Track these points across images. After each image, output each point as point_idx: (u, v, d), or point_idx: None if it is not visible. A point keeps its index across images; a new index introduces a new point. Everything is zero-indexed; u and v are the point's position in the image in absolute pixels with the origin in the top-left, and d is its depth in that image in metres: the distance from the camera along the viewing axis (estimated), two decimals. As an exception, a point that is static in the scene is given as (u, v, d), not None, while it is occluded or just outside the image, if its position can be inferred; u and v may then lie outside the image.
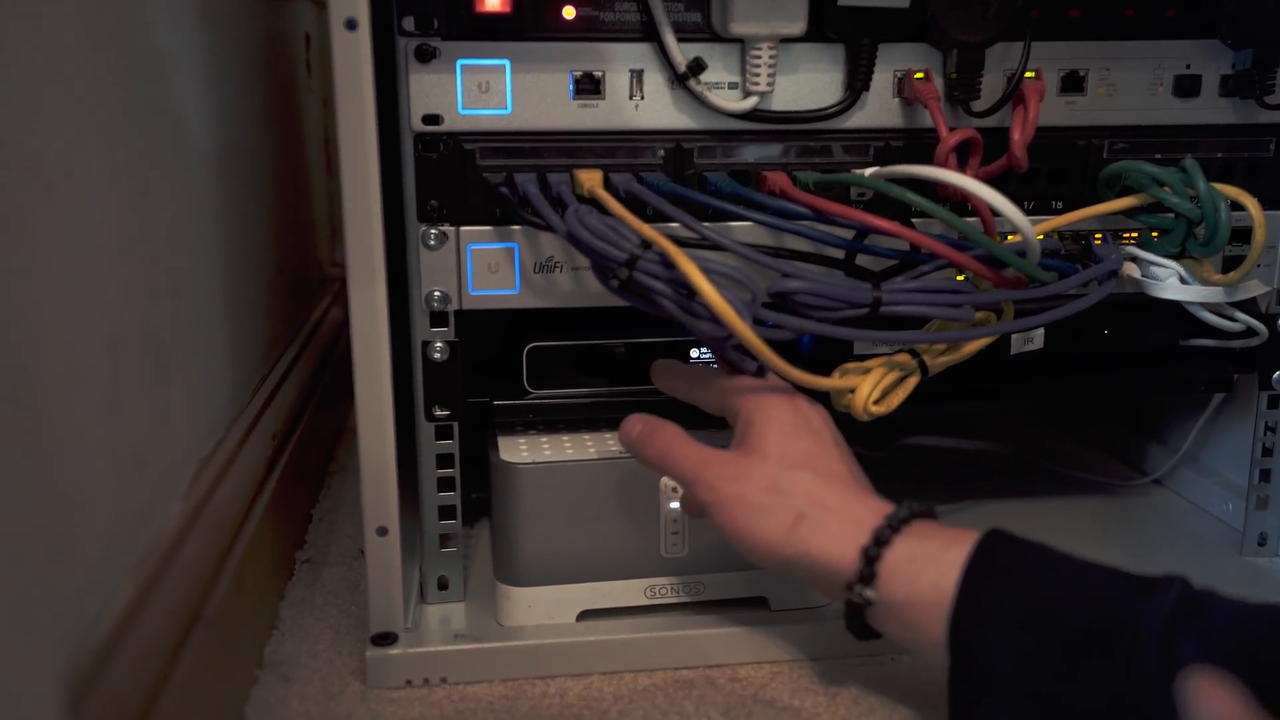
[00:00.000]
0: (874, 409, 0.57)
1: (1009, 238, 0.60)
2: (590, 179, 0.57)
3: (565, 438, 0.63)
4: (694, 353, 0.65)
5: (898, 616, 0.49)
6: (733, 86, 0.59)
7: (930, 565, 0.48)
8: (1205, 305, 0.63)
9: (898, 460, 0.89)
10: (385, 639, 0.58)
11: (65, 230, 0.39)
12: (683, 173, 0.59)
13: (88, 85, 0.42)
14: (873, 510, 0.51)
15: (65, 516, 0.37)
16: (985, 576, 0.48)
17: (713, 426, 0.58)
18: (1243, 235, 0.62)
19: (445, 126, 0.57)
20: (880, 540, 0.49)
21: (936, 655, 0.48)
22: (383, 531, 0.57)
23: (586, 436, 0.63)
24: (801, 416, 0.55)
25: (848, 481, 0.53)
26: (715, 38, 0.58)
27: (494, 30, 0.57)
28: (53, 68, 0.38)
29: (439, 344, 0.60)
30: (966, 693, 0.48)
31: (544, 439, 0.63)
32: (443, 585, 0.63)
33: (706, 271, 0.51)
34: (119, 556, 0.42)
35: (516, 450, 0.61)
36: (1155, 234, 0.63)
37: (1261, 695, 0.41)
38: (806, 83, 0.60)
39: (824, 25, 0.58)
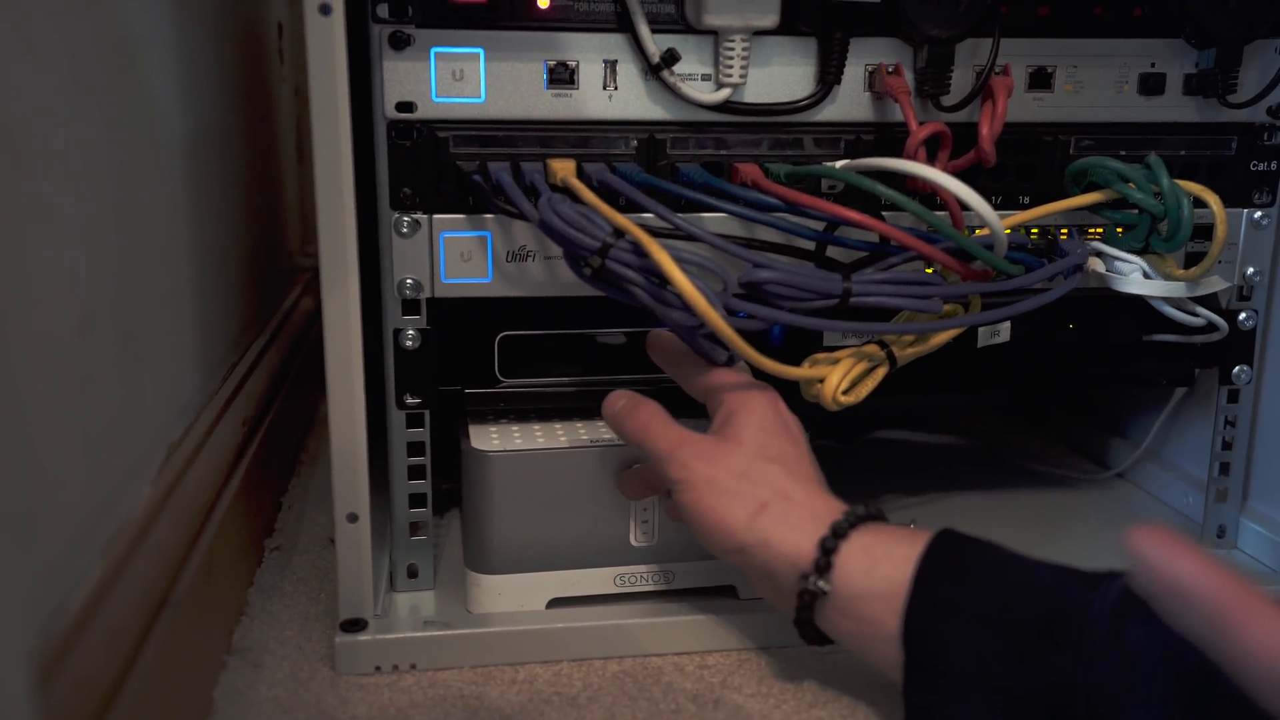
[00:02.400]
0: (843, 399, 0.58)
1: (977, 231, 0.61)
2: (563, 168, 0.57)
3: (536, 426, 0.63)
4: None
5: (851, 610, 0.50)
6: (706, 78, 0.59)
7: (885, 559, 0.50)
8: (1168, 300, 0.65)
9: (866, 453, 0.90)
10: (354, 625, 0.58)
11: (36, 210, 0.39)
12: (655, 163, 0.60)
13: (60, 66, 0.42)
14: (832, 509, 0.52)
15: (36, 497, 0.36)
16: (939, 572, 0.49)
17: (688, 417, 0.58)
18: (1205, 232, 0.63)
19: (419, 114, 0.57)
20: (837, 533, 0.50)
21: (888, 650, 0.49)
22: (353, 518, 0.57)
23: (558, 425, 0.63)
24: (782, 419, 0.56)
25: (814, 483, 0.54)
26: (689, 29, 0.58)
27: (468, 19, 0.57)
28: (24, 47, 0.38)
29: (411, 332, 0.60)
30: (922, 685, 0.48)
31: (515, 428, 0.63)
32: (412, 573, 0.63)
33: (679, 260, 0.51)
34: (88, 538, 0.42)
35: (488, 438, 0.61)
36: (1120, 229, 0.64)
37: (1203, 681, 0.42)
38: (779, 75, 0.60)
39: (797, 18, 0.59)
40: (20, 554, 0.32)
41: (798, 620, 0.52)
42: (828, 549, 0.50)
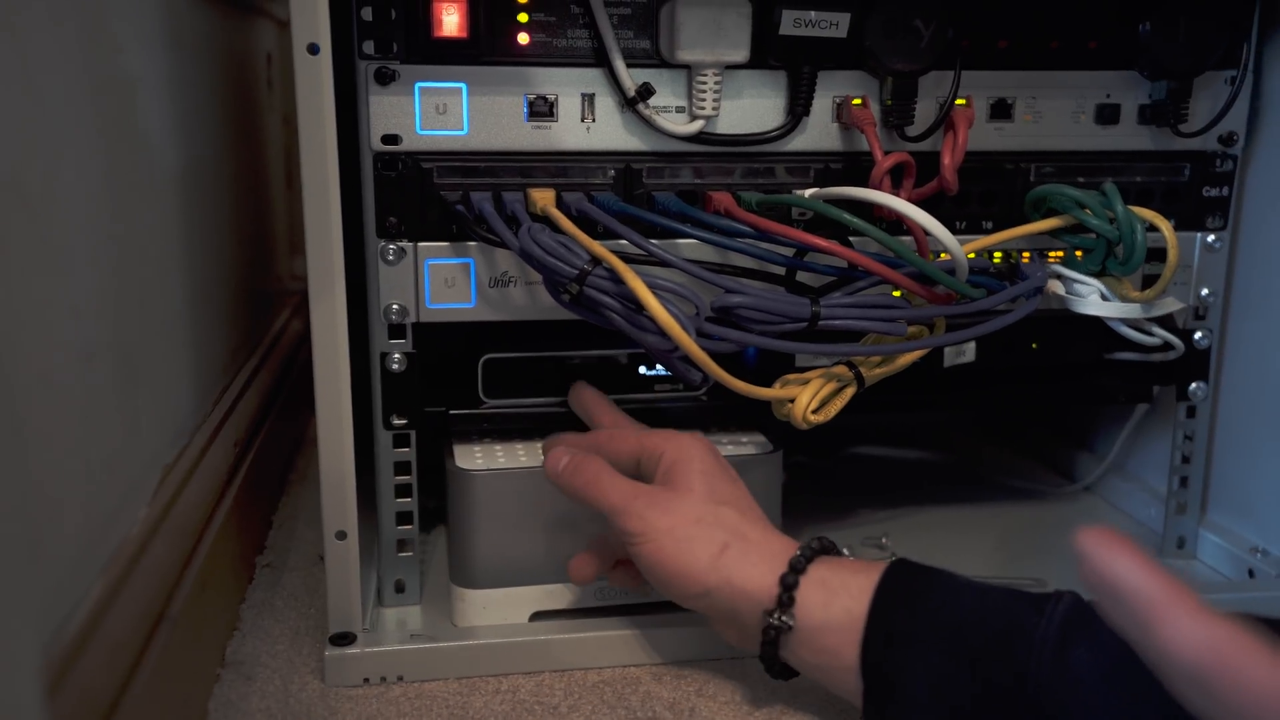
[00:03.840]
0: (812, 418, 0.60)
1: (941, 256, 0.63)
2: (543, 198, 0.60)
3: (519, 445, 0.66)
4: (641, 369, 0.68)
5: (812, 642, 0.52)
6: (680, 110, 0.62)
7: (842, 590, 0.52)
8: (1125, 320, 0.67)
9: (841, 468, 0.92)
10: (343, 639, 0.60)
11: (41, 243, 0.41)
12: (632, 192, 0.62)
13: (61, 102, 0.44)
14: (787, 546, 0.55)
15: (43, 518, 0.38)
16: (893, 602, 0.51)
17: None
18: (1160, 255, 0.66)
19: (404, 146, 0.60)
20: (795, 569, 0.53)
21: (849, 679, 0.51)
22: (341, 535, 0.59)
23: (539, 444, 0.66)
24: (720, 462, 0.58)
25: (764, 521, 0.57)
26: (663, 64, 0.61)
27: (451, 54, 0.59)
28: (27, 84, 0.40)
29: (397, 355, 0.62)
30: (882, 711, 0.51)
31: (498, 447, 0.65)
32: (399, 588, 0.65)
33: (653, 287, 0.54)
34: (90, 557, 0.44)
35: (471, 457, 0.63)
36: (1079, 253, 0.66)
37: (1145, 695, 0.45)
38: (750, 107, 0.63)
39: (766, 53, 0.61)
40: (28, 573, 0.34)
41: (763, 655, 0.54)
42: (788, 585, 0.52)
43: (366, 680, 0.59)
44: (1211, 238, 0.70)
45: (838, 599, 0.52)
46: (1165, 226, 0.64)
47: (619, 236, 0.58)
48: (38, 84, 0.41)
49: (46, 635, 0.37)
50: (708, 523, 0.55)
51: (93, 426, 0.46)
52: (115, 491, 0.49)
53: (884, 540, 0.76)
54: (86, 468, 0.45)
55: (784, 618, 0.52)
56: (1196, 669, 0.35)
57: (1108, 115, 0.67)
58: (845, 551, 0.57)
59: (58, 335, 0.42)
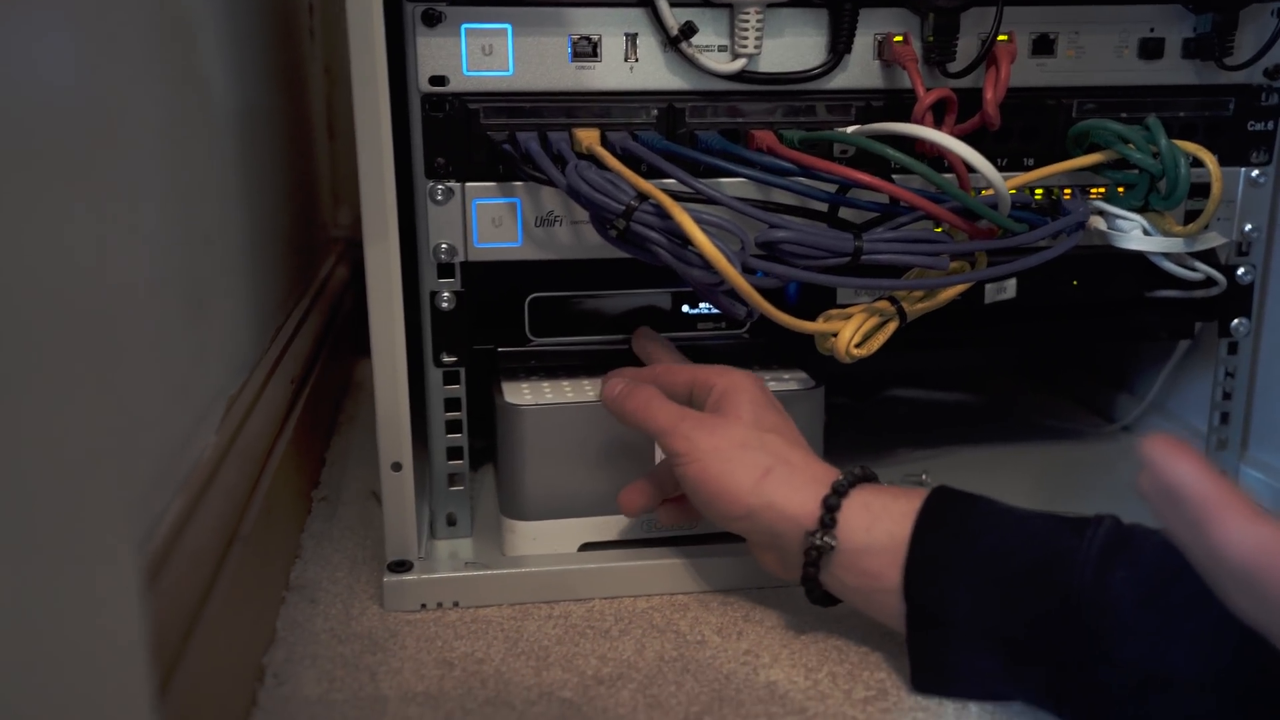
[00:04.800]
0: (855, 351, 0.61)
1: (982, 192, 0.64)
2: (588, 137, 0.61)
3: (565, 382, 0.67)
4: (685, 308, 0.69)
5: (854, 565, 0.53)
6: (722, 49, 0.62)
7: (884, 514, 0.53)
8: (1167, 255, 0.67)
9: (879, 410, 0.93)
10: (401, 566, 0.62)
11: (115, 172, 0.42)
12: (675, 131, 0.63)
13: (131, 39, 0.46)
14: (829, 472, 0.56)
15: (129, 435, 0.41)
16: (936, 526, 0.52)
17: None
18: (1203, 190, 0.66)
19: (451, 87, 0.61)
20: (838, 491, 0.54)
21: (890, 602, 0.53)
22: (397, 467, 0.61)
23: (585, 381, 0.67)
24: (768, 395, 0.60)
25: (808, 449, 0.58)
26: (705, 2, 0.61)
27: (497, -5, 0.60)
28: (101, 19, 0.42)
29: (446, 294, 0.63)
30: (924, 634, 0.52)
31: (545, 383, 0.67)
32: (451, 521, 0.67)
33: (699, 222, 0.55)
34: (168, 476, 0.46)
35: (520, 393, 0.65)
36: (1120, 189, 0.67)
37: (1183, 613, 0.46)
38: (792, 45, 0.63)
39: (808, -9, 0.61)
40: (122, 480, 0.36)
41: (804, 579, 0.55)
42: (831, 506, 0.53)
43: (423, 606, 0.62)
44: (1256, 173, 0.69)
45: (880, 522, 0.53)
46: (1210, 159, 0.64)
47: (664, 175, 0.59)
48: (109, 20, 0.43)
49: (135, 541, 0.39)
50: (752, 447, 0.56)
51: (165, 353, 0.48)
52: (187, 417, 0.51)
53: (924, 477, 0.77)
54: (162, 392, 0.47)
55: (826, 538, 0.53)
56: (1246, 570, 0.36)
57: (1151, 49, 0.67)
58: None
59: (133, 262, 0.44)
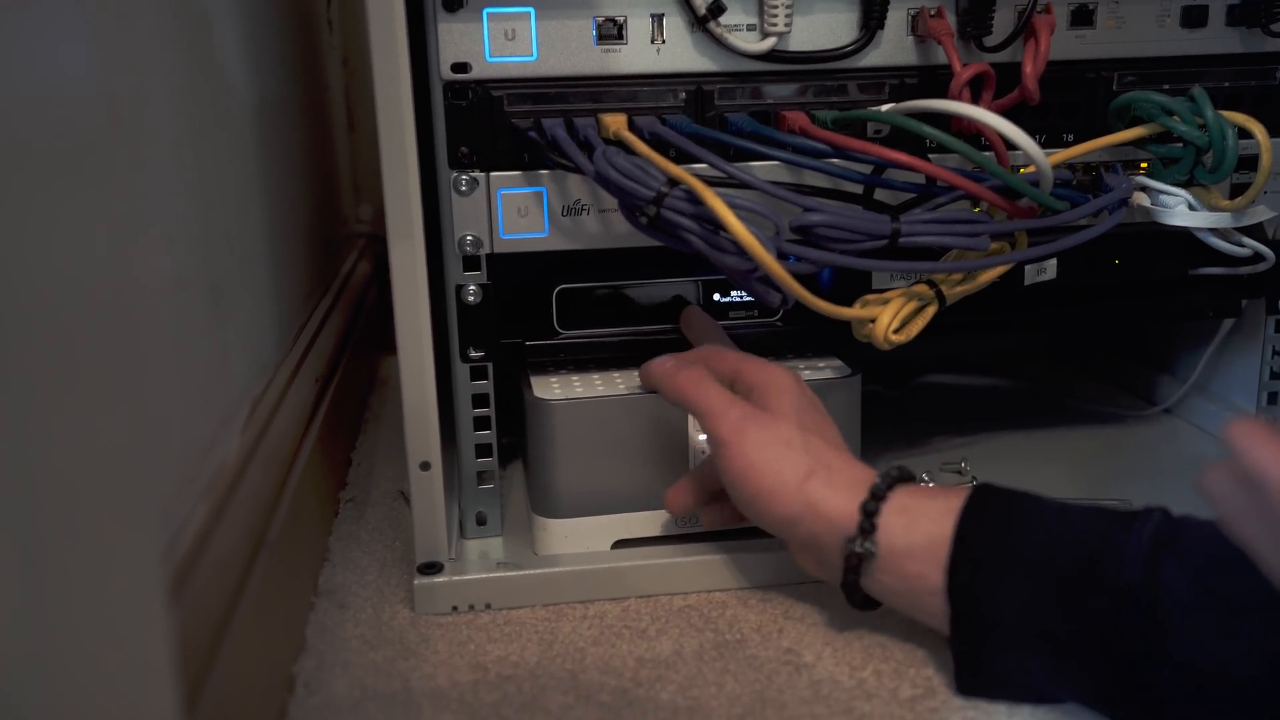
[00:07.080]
0: (894, 337, 0.59)
1: (1022, 170, 0.62)
2: (615, 122, 0.59)
3: (595, 375, 0.66)
4: (716, 296, 0.67)
5: (897, 569, 0.52)
6: (751, 28, 0.61)
7: (922, 516, 0.52)
8: (1213, 231, 0.65)
9: (915, 398, 0.91)
10: (431, 568, 0.61)
11: (136, 169, 0.41)
12: (704, 114, 0.61)
13: (148, 29, 0.44)
14: (867, 474, 0.55)
15: (152, 440, 0.39)
16: (979, 525, 0.51)
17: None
18: (1250, 162, 0.64)
19: (473, 74, 0.59)
20: (876, 495, 0.52)
21: (934, 603, 0.51)
22: (425, 466, 0.59)
23: (615, 374, 0.66)
24: (810, 395, 0.59)
25: (847, 452, 0.57)
26: (734, -20, 0.60)
27: (519, -22, 0.58)
28: (119, 9, 0.40)
29: (472, 287, 0.62)
30: (969, 636, 0.50)
31: (575, 377, 0.65)
32: (481, 521, 0.66)
33: (732, 207, 0.53)
34: (192, 480, 0.45)
35: (549, 388, 0.64)
36: (1164, 163, 0.64)
37: (1237, 608, 0.44)
38: (823, 23, 0.61)
39: (839, -35, 0.60)
40: (147, 486, 0.35)
41: (844, 584, 0.54)
42: (869, 511, 0.52)
43: (455, 609, 0.60)
44: (1304, 143, 0.67)
45: (920, 524, 0.52)
46: (1259, 130, 0.61)
47: (693, 159, 0.57)
48: (125, 12, 0.41)
49: (159, 550, 0.38)
50: (796, 446, 0.55)
51: (187, 353, 0.47)
52: (211, 419, 0.50)
53: (963, 465, 0.75)
54: (184, 393, 0.45)
55: (866, 544, 0.52)
56: None
57: (1194, 17, 0.64)
58: (925, 478, 0.57)
59: (153, 259, 0.43)
